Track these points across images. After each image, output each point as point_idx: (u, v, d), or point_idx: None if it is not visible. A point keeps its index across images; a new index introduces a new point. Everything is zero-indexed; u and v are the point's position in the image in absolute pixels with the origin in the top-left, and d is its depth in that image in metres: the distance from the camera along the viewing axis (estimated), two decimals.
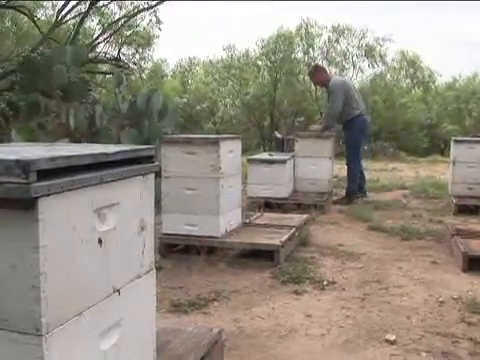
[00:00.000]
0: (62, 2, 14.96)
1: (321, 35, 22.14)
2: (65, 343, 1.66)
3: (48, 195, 1.54)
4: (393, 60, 22.46)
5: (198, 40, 43.11)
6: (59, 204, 1.61)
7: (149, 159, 2.07)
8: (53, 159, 1.60)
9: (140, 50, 21.76)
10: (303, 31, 22.13)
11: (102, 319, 1.85)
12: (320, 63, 22.26)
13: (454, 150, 8.52)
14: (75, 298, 1.70)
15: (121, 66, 15.90)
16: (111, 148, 1.96)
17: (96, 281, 1.80)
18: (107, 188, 1.83)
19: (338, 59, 22.07)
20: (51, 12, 19.07)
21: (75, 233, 1.68)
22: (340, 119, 8.82)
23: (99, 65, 17.07)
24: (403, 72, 22.63)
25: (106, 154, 1.83)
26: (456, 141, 8.62)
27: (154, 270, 2.17)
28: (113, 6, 18.30)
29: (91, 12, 16.90)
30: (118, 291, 1.91)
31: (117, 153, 1.91)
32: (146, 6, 17.64)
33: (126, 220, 1.94)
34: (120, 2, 17.99)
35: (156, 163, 2.09)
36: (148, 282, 2.13)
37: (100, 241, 1.79)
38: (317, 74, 9.10)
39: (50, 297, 1.58)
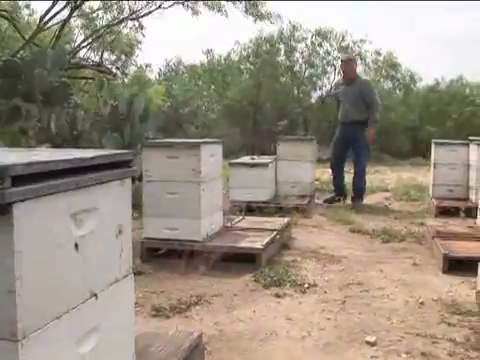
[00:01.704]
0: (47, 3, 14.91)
1: (306, 39, 22.15)
2: (42, 348, 1.66)
3: (23, 200, 1.54)
4: (375, 63, 22.50)
5: (182, 44, 43.00)
6: (35, 209, 1.61)
7: (127, 163, 2.07)
8: (29, 165, 1.60)
9: (122, 56, 21.71)
10: (287, 33, 22.14)
11: (80, 324, 1.84)
12: (302, 66, 22.38)
13: (435, 153, 8.61)
14: (52, 303, 1.70)
15: (103, 71, 15.87)
16: (88, 153, 1.96)
17: (73, 286, 1.80)
18: (84, 193, 1.83)
19: (320, 63, 22.07)
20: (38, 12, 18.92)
21: (51, 238, 1.68)
22: (355, 118, 8.63)
23: (82, 70, 16.98)
24: (383, 73, 22.66)
25: (82, 159, 1.83)
26: (437, 144, 8.70)
27: (132, 274, 2.17)
28: (97, 5, 18.25)
29: (75, 15, 16.87)
30: (95, 295, 1.91)
31: (94, 158, 1.91)
32: (133, 16, 17.68)
33: (103, 224, 1.94)
34: (106, 5, 17.96)
35: (134, 168, 2.10)
36: (126, 286, 2.13)
37: (76, 246, 1.79)
38: (353, 65, 9.06)
39: (26, 302, 1.58)
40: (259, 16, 17.83)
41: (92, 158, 1.90)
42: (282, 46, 22.16)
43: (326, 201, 8.83)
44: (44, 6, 18.17)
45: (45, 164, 1.68)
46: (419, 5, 41.19)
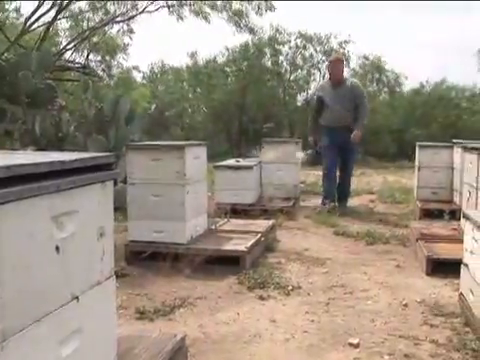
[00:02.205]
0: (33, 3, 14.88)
1: (289, 42, 22.20)
2: (23, 350, 1.67)
3: (3, 203, 1.55)
4: (361, 68, 22.57)
5: (167, 47, 42.99)
6: (15, 212, 1.61)
7: (108, 166, 2.08)
8: (9, 168, 1.60)
9: (107, 58, 21.67)
10: (272, 36, 22.20)
11: (61, 326, 1.85)
12: (287, 69, 22.41)
13: (419, 155, 8.65)
14: (33, 305, 1.71)
15: (88, 73, 15.83)
16: (69, 156, 1.97)
17: (54, 288, 1.80)
18: (65, 196, 1.83)
19: (305, 65, 22.11)
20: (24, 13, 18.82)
21: (32, 240, 1.69)
22: (346, 122, 8.28)
23: (67, 72, 16.93)
24: (369, 77, 22.73)
25: (63, 162, 1.84)
26: (421, 146, 8.75)
27: (114, 277, 2.18)
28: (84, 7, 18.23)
29: (61, 17, 16.85)
30: (77, 298, 1.92)
31: (75, 161, 1.91)
32: (121, 19, 17.70)
33: (84, 227, 1.95)
34: (92, 7, 17.95)
35: (115, 170, 2.10)
36: (108, 289, 2.13)
37: (58, 248, 1.80)
38: (342, 66, 8.62)
39: (7, 304, 1.58)
40: (239, 26, 18.00)
41: (73, 161, 1.90)
42: (268, 49, 22.21)
43: (324, 205, 8.28)
44: (30, 7, 17.98)
45: (26, 167, 1.68)
46: (403, 9, 41.43)
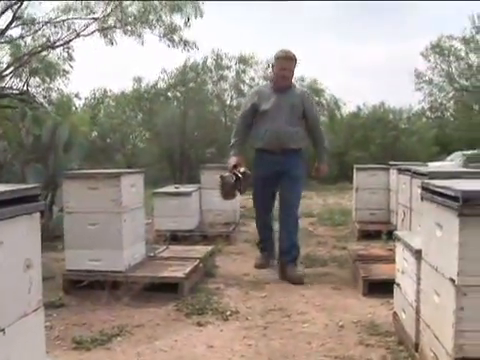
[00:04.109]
0: None
1: (230, 67, 22.42)
2: None
3: None
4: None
5: (109, 72, 42.86)
6: None
7: (34, 198, 2.08)
8: None
9: (47, 82, 21.50)
10: (213, 62, 22.39)
11: None
12: (230, 94, 22.60)
13: (356, 177, 8.81)
14: None
15: (25, 101, 15.68)
16: None
17: None
18: None
19: (246, 90, 22.32)
20: None
21: None
22: (295, 143, 6.00)
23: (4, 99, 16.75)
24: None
25: None
26: (358, 169, 8.92)
27: (42, 308, 2.17)
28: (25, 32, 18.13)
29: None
30: (3, 330, 1.91)
31: (1, 193, 1.91)
32: (61, 42, 17.66)
33: (10, 259, 1.94)
34: (33, 32, 17.86)
35: (41, 202, 2.11)
36: (36, 320, 2.13)
37: None
38: (292, 66, 6.03)
39: None
40: (173, 41, 18.11)
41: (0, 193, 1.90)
42: (210, 73, 22.37)
43: (260, 266, 6.24)
44: None
45: None
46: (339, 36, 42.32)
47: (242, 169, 5.85)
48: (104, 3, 17.40)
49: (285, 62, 5.97)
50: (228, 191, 5.94)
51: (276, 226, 6.26)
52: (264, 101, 6.00)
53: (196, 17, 17.83)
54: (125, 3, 17.54)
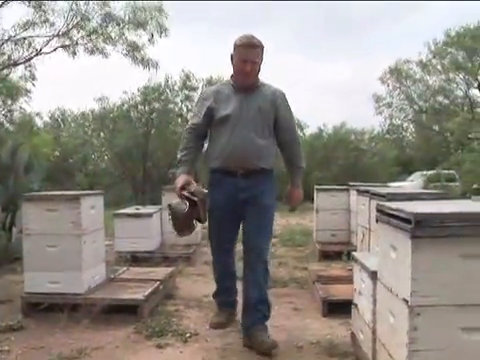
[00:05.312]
0: None
1: (197, 88, 22.53)
2: None
3: None
4: None
5: (71, 92, 42.75)
6: None
7: None
8: None
9: (9, 102, 21.36)
10: (180, 82, 22.49)
11: None
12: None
13: (317, 198, 8.91)
14: None
15: None
16: None
17: None
18: None
19: None
20: None
21: None
22: (264, 162, 4.45)
23: None
24: None
25: None
26: (318, 190, 9.02)
27: None
28: None
29: None
30: None
31: None
32: (22, 60, 17.56)
33: None
34: None
35: None
36: None
37: None
38: (259, 57, 4.37)
39: None
40: (136, 59, 18.16)
41: None
42: (175, 93, 22.45)
43: (217, 326, 4.74)
44: None
45: None
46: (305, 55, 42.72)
47: (193, 188, 4.33)
48: (64, 18, 17.39)
49: (247, 51, 4.32)
50: (183, 224, 4.38)
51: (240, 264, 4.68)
52: (223, 104, 4.42)
53: (160, 35, 17.94)
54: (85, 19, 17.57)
